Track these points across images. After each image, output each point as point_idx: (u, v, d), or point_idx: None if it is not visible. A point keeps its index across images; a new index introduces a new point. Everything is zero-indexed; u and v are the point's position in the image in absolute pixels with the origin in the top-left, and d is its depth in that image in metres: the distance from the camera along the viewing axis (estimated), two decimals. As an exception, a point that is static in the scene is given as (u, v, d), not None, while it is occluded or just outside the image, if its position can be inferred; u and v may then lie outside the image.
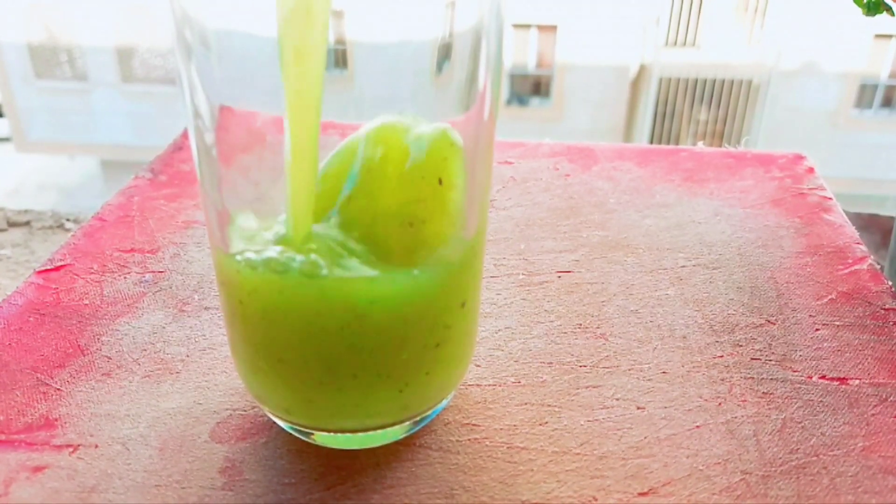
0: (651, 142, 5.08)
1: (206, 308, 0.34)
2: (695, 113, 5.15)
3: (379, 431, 0.26)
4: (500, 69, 0.24)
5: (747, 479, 0.26)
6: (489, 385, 0.30)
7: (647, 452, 0.27)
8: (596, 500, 0.25)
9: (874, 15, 0.40)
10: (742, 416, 0.28)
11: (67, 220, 0.58)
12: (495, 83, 0.23)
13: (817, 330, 0.33)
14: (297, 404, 0.25)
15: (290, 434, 0.28)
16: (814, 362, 0.31)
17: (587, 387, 0.30)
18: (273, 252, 0.23)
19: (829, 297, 0.35)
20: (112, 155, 5.20)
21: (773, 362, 0.31)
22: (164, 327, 0.33)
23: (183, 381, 0.30)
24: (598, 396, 0.29)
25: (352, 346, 0.23)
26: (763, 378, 0.30)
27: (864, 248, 0.38)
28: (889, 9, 0.39)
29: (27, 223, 0.57)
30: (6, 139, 5.33)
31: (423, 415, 0.27)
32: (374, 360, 0.24)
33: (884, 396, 0.29)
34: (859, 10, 0.40)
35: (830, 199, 0.42)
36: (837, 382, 0.30)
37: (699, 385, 0.30)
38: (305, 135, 0.21)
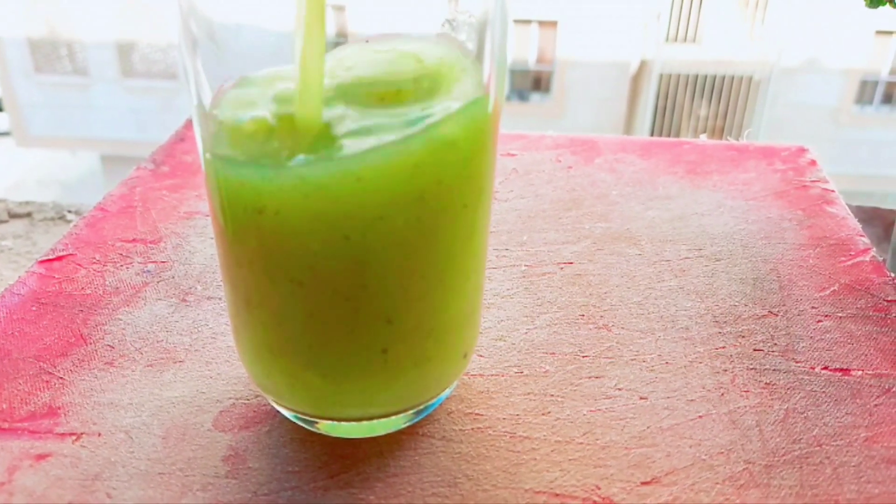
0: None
1: (208, 298, 0.34)
2: (695, 109, 5.14)
3: (382, 420, 0.26)
4: (504, 61, 0.24)
5: (750, 469, 0.26)
6: (492, 375, 0.30)
7: (650, 442, 0.27)
8: (599, 489, 0.25)
9: (877, 7, 0.40)
10: (745, 407, 0.28)
11: (69, 211, 0.58)
12: (500, 75, 0.23)
13: (820, 321, 0.33)
14: (300, 391, 0.25)
15: (294, 423, 0.28)
16: (816, 353, 0.31)
17: (589, 377, 0.30)
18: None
19: (832, 288, 0.35)
20: (112, 150, 5.20)
21: (775, 353, 0.31)
22: (166, 317, 0.33)
23: (186, 371, 0.30)
24: (600, 386, 0.29)
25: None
26: (766, 369, 0.30)
27: (866, 240, 0.38)
28: (892, 1, 0.39)
29: (28, 214, 0.57)
30: (7, 134, 5.32)
31: (426, 404, 0.27)
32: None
33: (886, 387, 0.29)
34: (862, 3, 0.40)
35: (833, 191, 0.42)
36: (840, 373, 0.30)
37: (702, 375, 0.30)
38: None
